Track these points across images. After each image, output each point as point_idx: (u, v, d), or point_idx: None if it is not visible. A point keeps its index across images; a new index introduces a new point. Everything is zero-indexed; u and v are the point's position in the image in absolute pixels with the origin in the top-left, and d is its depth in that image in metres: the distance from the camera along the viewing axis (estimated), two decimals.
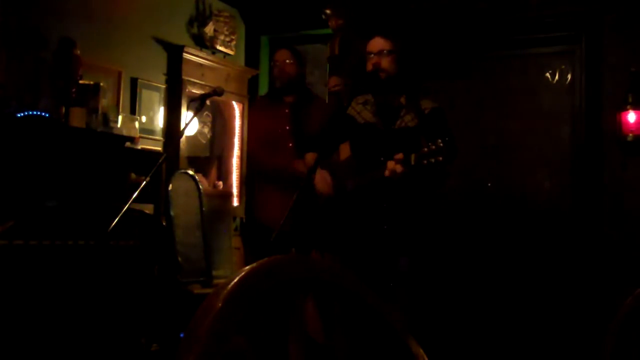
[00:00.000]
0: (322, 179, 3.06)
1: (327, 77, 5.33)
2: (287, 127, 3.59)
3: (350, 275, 1.08)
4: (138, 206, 3.68)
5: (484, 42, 4.80)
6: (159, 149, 4.85)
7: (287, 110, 3.61)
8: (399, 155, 2.78)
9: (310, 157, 3.21)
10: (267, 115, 3.67)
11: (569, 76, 4.62)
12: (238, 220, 5.58)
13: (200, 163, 5.52)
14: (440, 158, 2.65)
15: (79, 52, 3.91)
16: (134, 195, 2.84)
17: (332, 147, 3.25)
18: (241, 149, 5.63)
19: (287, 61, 3.59)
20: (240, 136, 5.65)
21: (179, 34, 5.16)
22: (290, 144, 3.56)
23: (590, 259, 4.32)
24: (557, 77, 4.66)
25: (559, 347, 4.35)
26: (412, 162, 2.74)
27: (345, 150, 3.29)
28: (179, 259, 4.29)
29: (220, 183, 5.58)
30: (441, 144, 2.66)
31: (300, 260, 1.01)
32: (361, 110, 3.13)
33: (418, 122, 3.02)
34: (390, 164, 2.81)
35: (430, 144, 2.69)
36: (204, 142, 5.66)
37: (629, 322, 1.38)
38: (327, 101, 4.67)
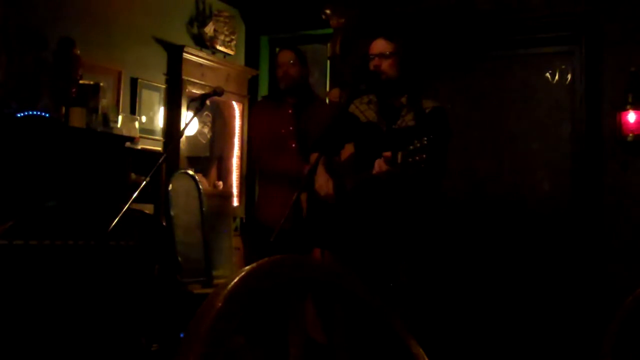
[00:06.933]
0: (322, 180, 3.05)
1: (328, 79, 5.33)
2: (291, 128, 3.58)
3: (350, 276, 1.08)
4: (138, 206, 3.69)
5: (484, 42, 4.80)
6: (159, 149, 4.86)
7: (290, 111, 3.61)
8: (387, 154, 2.78)
9: (314, 157, 3.19)
10: (270, 116, 3.66)
11: (569, 76, 4.61)
12: (238, 220, 5.58)
13: (200, 163, 5.53)
14: (424, 156, 2.62)
15: (79, 52, 3.91)
16: (134, 195, 2.84)
17: (336, 147, 3.23)
18: (241, 149, 5.63)
19: (291, 62, 3.58)
20: (240, 136, 5.65)
21: (179, 34, 5.16)
22: (294, 144, 3.55)
23: (590, 259, 4.32)
24: (557, 77, 4.65)
25: (559, 347, 4.34)
26: (399, 160, 2.73)
27: (346, 150, 3.28)
28: (179, 259, 4.29)
29: (220, 183, 5.58)
30: (425, 142, 2.63)
31: (300, 260, 1.01)
32: (365, 110, 3.13)
33: (418, 122, 3.02)
34: (377, 162, 2.81)
35: (415, 141, 2.67)
36: (204, 142, 5.66)
37: (628, 322, 1.38)
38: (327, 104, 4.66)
